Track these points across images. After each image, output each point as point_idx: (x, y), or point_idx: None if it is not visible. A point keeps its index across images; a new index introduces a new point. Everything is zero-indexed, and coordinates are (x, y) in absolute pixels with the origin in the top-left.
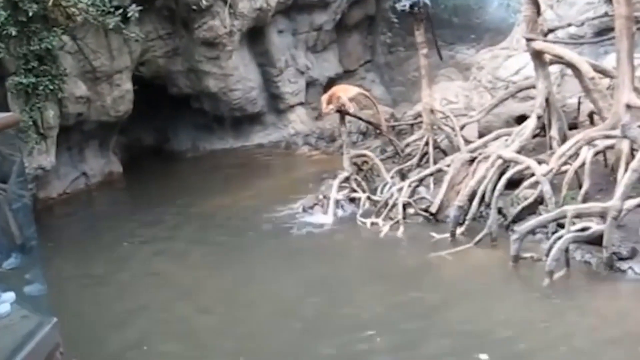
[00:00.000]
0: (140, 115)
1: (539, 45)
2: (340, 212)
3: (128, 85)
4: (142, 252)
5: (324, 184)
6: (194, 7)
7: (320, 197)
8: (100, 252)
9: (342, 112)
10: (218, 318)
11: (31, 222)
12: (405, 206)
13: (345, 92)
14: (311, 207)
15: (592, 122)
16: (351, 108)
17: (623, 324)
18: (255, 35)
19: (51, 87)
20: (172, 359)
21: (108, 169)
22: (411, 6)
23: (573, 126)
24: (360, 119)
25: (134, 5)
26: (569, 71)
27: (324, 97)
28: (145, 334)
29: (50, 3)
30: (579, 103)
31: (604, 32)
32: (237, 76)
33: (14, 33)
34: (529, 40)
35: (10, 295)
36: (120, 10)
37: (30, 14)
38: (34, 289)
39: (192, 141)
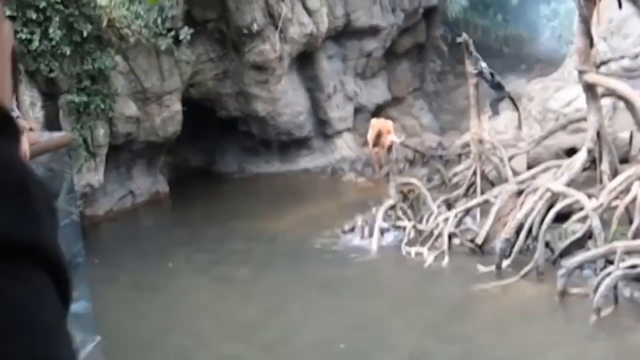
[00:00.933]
0: (188, 136)
1: (591, 77)
2: (384, 241)
3: (177, 107)
4: (187, 273)
5: (369, 211)
6: (245, 31)
7: (361, 222)
8: (145, 271)
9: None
10: (251, 345)
11: (79, 239)
12: (450, 236)
13: (386, 128)
14: (357, 234)
15: None
16: (397, 141)
17: None
18: (304, 60)
19: (102, 107)
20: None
21: (155, 189)
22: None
23: (624, 160)
24: (409, 147)
25: (186, 28)
26: (621, 104)
27: (370, 137)
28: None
29: (104, 24)
30: (631, 137)
31: None
32: (285, 100)
33: (68, 52)
34: (581, 72)
35: None
36: (173, 32)
37: (85, 34)
38: (79, 306)
39: (238, 163)
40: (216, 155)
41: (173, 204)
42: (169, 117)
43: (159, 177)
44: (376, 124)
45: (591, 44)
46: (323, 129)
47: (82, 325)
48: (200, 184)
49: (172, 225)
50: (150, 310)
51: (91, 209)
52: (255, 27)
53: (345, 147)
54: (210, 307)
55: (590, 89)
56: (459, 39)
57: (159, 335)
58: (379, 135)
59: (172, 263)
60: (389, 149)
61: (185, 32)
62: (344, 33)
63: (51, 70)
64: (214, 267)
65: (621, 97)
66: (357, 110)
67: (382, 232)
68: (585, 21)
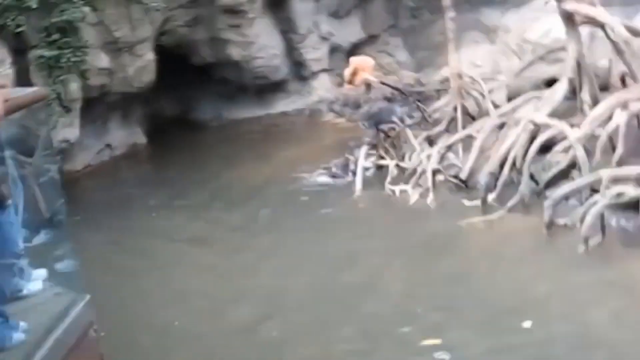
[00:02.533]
0: (163, 85)
1: (570, 6)
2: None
3: (150, 56)
4: (171, 224)
5: (350, 151)
6: None
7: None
8: (128, 224)
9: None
10: (243, 288)
11: (59, 196)
12: (434, 173)
13: (362, 66)
14: (337, 173)
15: (623, 85)
16: (372, 79)
17: None
18: (277, 2)
19: (73, 60)
20: (203, 337)
21: (132, 141)
22: None
23: (604, 89)
24: (388, 85)
25: None
26: (599, 33)
27: (347, 74)
28: (175, 308)
29: None
30: (610, 65)
31: None
32: (260, 44)
33: (34, 6)
34: (559, 1)
35: (42, 273)
36: None
37: None
38: (65, 265)
39: (215, 110)
40: (192, 103)
41: (151, 155)
42: (142, 67)
43: (135, 128)
44: (354, 61)
45: None
46: (299, 71)
47: (69, 283)
48: (177, 133)
49: (152, 177)
50: (133, 266)
51: (69, 165)
52: None
53: (322, 88)
54: (196, 256)
55: (568, 18)
56: None
57: (146, 290)
58: (354, 73)
59: (155, 214)
60: (368, 87)
61: None
62: None
63: (18, 25)
64: (198, 215)
65: (601, 25)
66: (333, 50)
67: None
68: None
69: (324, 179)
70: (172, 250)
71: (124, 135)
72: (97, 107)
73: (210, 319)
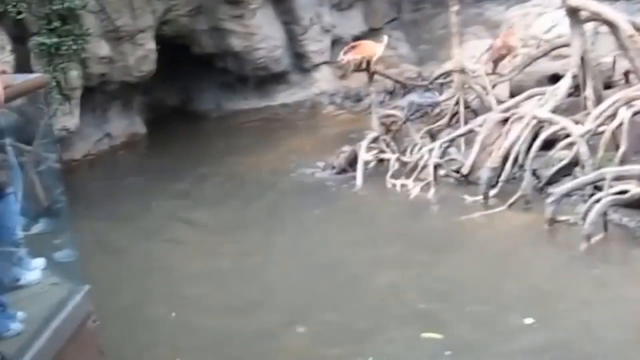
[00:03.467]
0: (164, 75)
1: (574, 2)
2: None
3: (151, 45)
4: (171, 214)
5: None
6: None
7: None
8: (127, 214)
9: (368, 70)
10: (240, 277)
11: (58, 185)
12: (436, 167)
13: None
14: (339, 168)
15: (627, 82)
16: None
17: None
18: None
19: (74, 47)
20: (200, 328)
21: (132, 130)
22: None
23: (607, 86)
24: (389, 77)
25: None
26: (603, 29)
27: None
28: (172, 301)
29: None
30: (614, 62)
31: None
32: (261, 35)
33: None
34: None
35: (41, 262)
36: None
37: None
38: (64, 254)
39: (216, 101)
40: (192, 93)
41: (151, 144)
42: (142, 56)
43: (135, 118)
44: (365, 47)
45: None
46: (300, 62)
47: (67, 274)
48: (177, 124)
49: (151, 166)
50: (132, 256)
51: (68, 153)
52: None
53: (323, 80)
54: (194, 245)
55: (573, 14)
56: None
57: (145, 280)
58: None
59: (155, 204)
60: (370, 78)
61: None
62: None
63: (19, 12)
64: (197, 205)
65: (605, 21)
66: (335, 42)
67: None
68: None
69: (326, 171)
70: (171, 241)
71: (124, 125)
72: (97, 96)
73: (211, 309)
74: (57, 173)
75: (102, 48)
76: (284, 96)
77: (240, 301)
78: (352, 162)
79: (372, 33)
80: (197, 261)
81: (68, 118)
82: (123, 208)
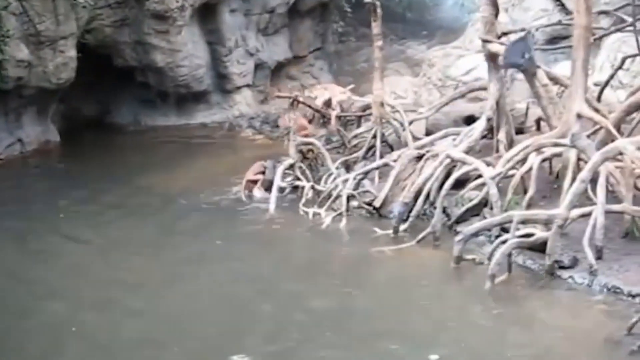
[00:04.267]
0: (83, 84)
1: (494, 47)
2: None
3: (72, 53)
4: (77, 226)
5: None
6: None
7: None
8: (33, 222)
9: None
10: (135, 297)
11: None
12: (349, 198)
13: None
14: (251, 191)
15: (538, 129)
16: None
17: (559, 332)
18: (206, 13)
19: None
20: (92, 340)
21: (45, 137)
22: None
23: (519, 131)
24: (309, 106)
25: None
26: (519, 75)
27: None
28: (73, 309)
29: None
30: (527, 108)
31: (555, 39)
32: (185, 52)
33: None
34: (485, 41)
35: None
36: None
37: None
38: None
39: (134, 115)
40: (111, 105)
41: (64, 154)
42: (62, 63)
43: (50, 125)
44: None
45: (496, 14)
46: (222, 83)
47: None
48: (93, 135)
49: (62, 176)
50: (37, 264)
51: None
52: None
53: (244, 103)
54: (96, 262)
55: (492, 59)
56: (366, 0)
57: (48, 289)
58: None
59: (63, 215)
60: (291, 105)
61: None
62: None
63: None
64: (103, 219)
65: (520, 69)
66: (258, 66)
67: (281, 190)
68: None
69: (237, 194)
70: (75, 253)
71: (37, 132)
72: (11, 99)
73: (111, 328)
74: None
75: (21, 51)
76: (203, 116)
77: (125, 334)
78: (267, 187)
79: (296, 60)
80: (87, 288)
81: None
82: (28, 216)
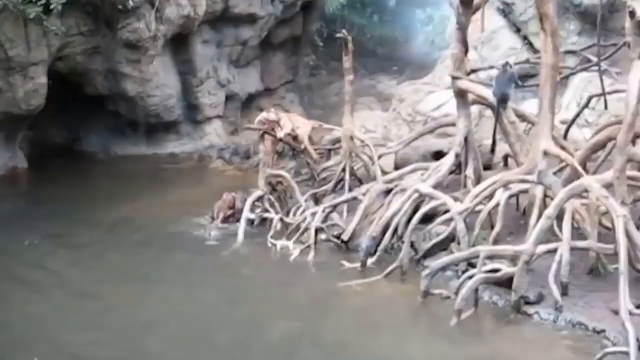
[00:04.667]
0: (52, 111)
1: (464, 84)
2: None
3: (43, 79)
4: (42, 252)
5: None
6: (120, 7)
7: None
8: None
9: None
10: (94, 330)
11: None
12: (317, 231)
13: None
14: (219, 222)
15: (505, 165)
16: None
17: None
18: (179, 43)
19: None
20: None
21: (12, 164)
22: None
23: (487, 167)
24: (280, 140)
25: None
26: (487, 112)
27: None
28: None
29: None
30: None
31: (523, 78)
32: (157, 82)
33: None
34: (454, 78)
35: None
36: (43, 1)
37: None
38: None
39: (103, 143)
40: (80, 133)
41: (31, 181)
42: (32, 89)
43: (17, 152)
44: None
45: (466, 51)
46: (193, 114)
47: None
48: (61, 162)
49: (29, 204)
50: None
51: None
52: (130, 3)
53: (214, 133)
54: (57, 287)
55: (461, 95)
56: (338, 35)
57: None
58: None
59: (28, 242)
60: (261, 138)
61: (57, 2)
62: (221, 19)
63: None
64: (68, 248)
65: (490, 106)
66: (229, 98)
67: (251, 222)
68: (462, 28)
69: (205, 225)
70: (38, 282)
71: (5, 158)
72: None
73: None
74: None
75: None
76: (173, 146)
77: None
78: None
79: (267, 93)
80: (54, 304)
81: None
82: None
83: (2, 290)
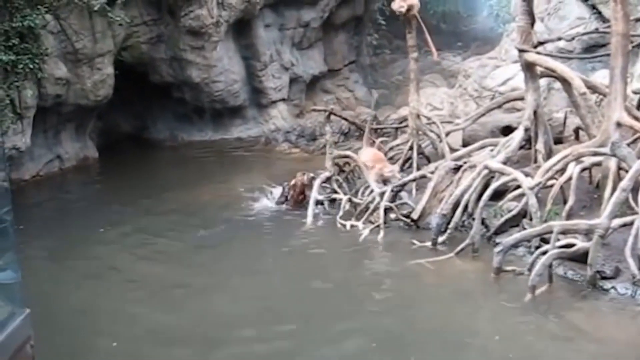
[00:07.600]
0: (120, 101)
1: (531, 57)
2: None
3: (109, 70)
4: (116, 241)
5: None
6: None
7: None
8: (71, 238)
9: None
10: (178, 316)
11: (5, 203)
12: (386, 211)
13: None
14: (291, 204)
15: (577, 138)
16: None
17: (601, 343)
18: (241, 28)
19: (31, 66)
20: (141, 356)
21: (83, 154)
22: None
23: (558, 141)
24: (345, 119)
25: None
26: (556, 85)
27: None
28: (114, 328)
29: None
30: (565, 118)
31: (592, 48)
32: (221, 67)
33: None
34: (521, 51)
35: None
36: None
37: None
38: (6, 276)
39: (170, 131)
40: (148, 121)
41: (102, 170)
42: (100, 80)
43: (88, 142)
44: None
45: (532, 23)
46: (258, 98)
47: (8, 296)
48: (130, 151)
49: (101, 192)
50: (79, 279)
51: (17, 173)
52: None
53: (279, 117)
54: (139, 275)
55: (529, 68)
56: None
57: (88, 306)
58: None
59: (102, 230)
60: (327, 118)
61: None
62: (283, 1)
63: None
64: (143, 235)
65: (560, 78)
66: (293, 80)
67: (318, 204)
68: (528, 0)
69: (275, 207)
70: (116, 267)
71: (76, 148)
72: (50, 116)
73: (152, 341)
74: (6, 192)
75: (60, 69)
76: (239, 130)
77: (186, 335)
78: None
79: (331, 74)
80: (140, 293)
81: (19, 137)
82: (67, 232)
83: (86, 277)
